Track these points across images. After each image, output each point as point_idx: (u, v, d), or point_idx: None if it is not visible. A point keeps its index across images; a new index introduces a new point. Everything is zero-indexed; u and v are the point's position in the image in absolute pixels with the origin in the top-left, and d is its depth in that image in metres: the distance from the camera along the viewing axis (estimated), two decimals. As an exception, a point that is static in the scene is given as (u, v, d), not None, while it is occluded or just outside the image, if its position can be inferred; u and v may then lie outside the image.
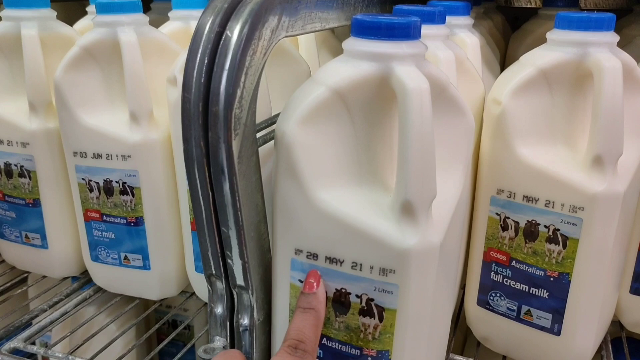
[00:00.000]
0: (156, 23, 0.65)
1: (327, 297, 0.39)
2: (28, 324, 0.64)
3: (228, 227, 0.39)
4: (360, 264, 0.38)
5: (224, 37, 0.37)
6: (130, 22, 0.58)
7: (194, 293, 0.67)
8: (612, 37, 0.48)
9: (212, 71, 0.36)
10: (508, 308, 0.54)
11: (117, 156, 0.58)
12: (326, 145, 0.38)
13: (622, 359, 0.65)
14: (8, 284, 0.71)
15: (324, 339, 0.41)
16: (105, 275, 0.65)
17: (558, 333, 0.52)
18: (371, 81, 0.37)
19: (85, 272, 0.69)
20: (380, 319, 0.39)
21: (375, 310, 0.38)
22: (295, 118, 0.37)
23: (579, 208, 0.48)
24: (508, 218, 0.52)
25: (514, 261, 0.53)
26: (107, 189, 0.60)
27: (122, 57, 0.57)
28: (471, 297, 0.57)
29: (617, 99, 0.46)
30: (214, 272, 0.42)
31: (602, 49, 0.47)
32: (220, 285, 0.43)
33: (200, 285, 0.64)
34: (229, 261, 0.41)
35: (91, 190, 0.61)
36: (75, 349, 0.58)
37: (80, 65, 0.59)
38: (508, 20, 0.97)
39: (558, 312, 0.51)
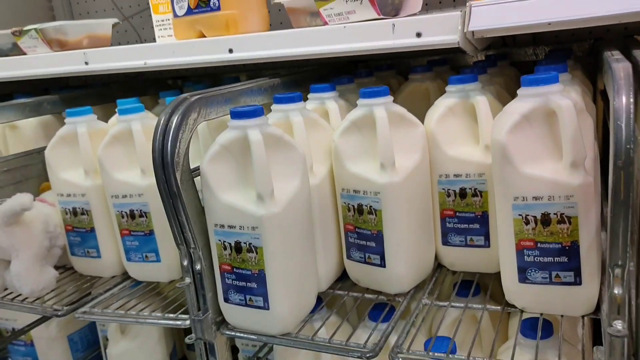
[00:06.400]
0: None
1: (230, 246, 0.79)
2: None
3: (182, 215, 0.80)
4: (242, 226, 0.78)
5: (168, 124, 0.79)
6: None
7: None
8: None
9: (163, 141, 0.78)
10: (360, 257, 0.92)
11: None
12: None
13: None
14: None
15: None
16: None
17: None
18: (239, 140, 0.78)
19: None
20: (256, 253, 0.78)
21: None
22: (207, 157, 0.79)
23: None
24: (350, 205, 0.91)
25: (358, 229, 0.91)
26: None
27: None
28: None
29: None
30: (181, 243, 0.83)
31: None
32: (184, 249, 0.83)
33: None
34: (188, 234, 0.82)
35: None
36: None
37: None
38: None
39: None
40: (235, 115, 0.80)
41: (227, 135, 0.80)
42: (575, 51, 1.28)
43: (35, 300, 1.05)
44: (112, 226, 1.08)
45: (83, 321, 1.38)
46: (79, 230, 1.10)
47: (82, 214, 1.08)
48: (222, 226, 0.80)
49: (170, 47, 1.07)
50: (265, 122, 0.81)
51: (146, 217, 1.02)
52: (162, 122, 0.80)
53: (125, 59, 1.12)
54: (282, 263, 0.80)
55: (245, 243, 0.79)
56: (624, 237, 0.59)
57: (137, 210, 1.02)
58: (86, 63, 1.16)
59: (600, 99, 1.12)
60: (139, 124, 1.01)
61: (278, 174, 0.80)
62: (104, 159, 1.02)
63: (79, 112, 1.08)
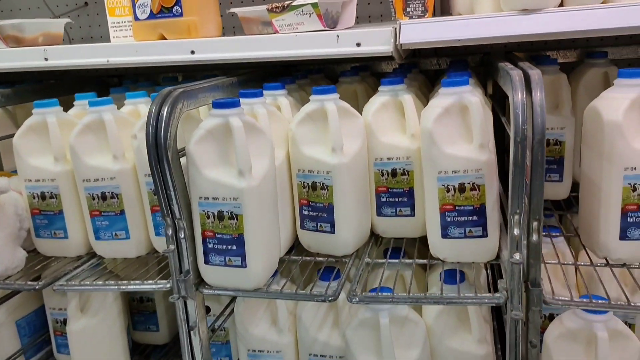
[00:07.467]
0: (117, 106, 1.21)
1: (213, 215, 0.95)
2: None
3: (170, 189, 0.94)
4: (225, 197, 0.94)
5: (160, 113, 0.93)
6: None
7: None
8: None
9: (157, 126, 0.92)
10: (313, 226, 1.11)
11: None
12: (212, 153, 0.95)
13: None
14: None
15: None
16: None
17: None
18: (221, 126, 0.94)
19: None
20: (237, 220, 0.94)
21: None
22: (194, 139, 0.94)
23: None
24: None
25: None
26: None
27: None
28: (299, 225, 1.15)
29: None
30: (167, 214, 0.97)
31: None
32: (170, 220, 0.97)
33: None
34: (175, 207, 0.96)
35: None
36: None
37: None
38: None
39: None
40: (218, 105, 0.96)
41: (210, 122, 0.96)
42: (470, 62, 1.57)
43: (7, 278, 1.13)
44: (80, 209, 1.18)
45: (31, 306, 1.43)
46: (47, 213, 1.18)
47: (51, 197, 1.17)
48: (207, 198, 0.96)
49: (133, 47, 1.19)
50: (242, 111, 0.97)
51: (117, 198, 1.14)
52: (153, 111, 0.93)
53: (87, 56, 1.22)
54: (258, 228, 0.97)
55: (227, 212, 0.95)
56: (520, 191, 0.84)
57: (108, 192, 1.13)
58: (46, 59, 1.25)
59: (489, 100, 1.40)
60: (110, 115, 1.13)
61: (252, 154, 0.97)
62: (76, 146, 1.12)
63: (47, 103, 1.17)
